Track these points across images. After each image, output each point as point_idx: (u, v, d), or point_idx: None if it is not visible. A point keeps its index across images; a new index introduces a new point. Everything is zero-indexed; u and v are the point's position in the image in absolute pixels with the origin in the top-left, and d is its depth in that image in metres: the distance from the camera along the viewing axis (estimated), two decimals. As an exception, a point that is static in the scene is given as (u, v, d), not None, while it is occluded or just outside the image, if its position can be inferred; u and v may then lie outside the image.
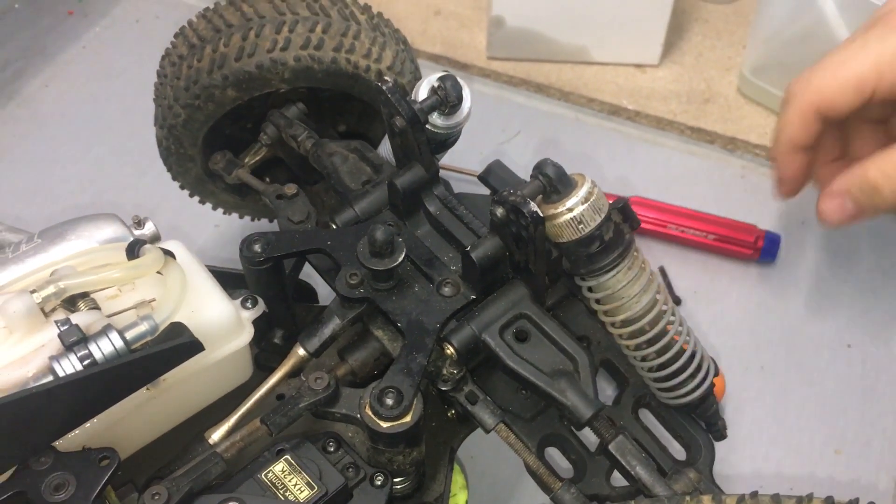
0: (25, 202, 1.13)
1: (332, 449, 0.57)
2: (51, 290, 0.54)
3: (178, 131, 0.76)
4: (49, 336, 0.53)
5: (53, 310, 0.55)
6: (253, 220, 0.98)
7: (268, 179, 0.80)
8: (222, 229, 1.08)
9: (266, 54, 0.70)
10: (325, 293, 0.79)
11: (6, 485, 0.51)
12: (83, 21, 1.37)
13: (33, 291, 0.53)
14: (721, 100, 1.42)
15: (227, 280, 0.64)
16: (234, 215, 0.95)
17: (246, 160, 0.79)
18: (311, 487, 0.54)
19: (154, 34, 1.27)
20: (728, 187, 1.22)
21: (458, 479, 0.71)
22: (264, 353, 0.67)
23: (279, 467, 0.55)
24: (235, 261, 0.65)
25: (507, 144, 1.29)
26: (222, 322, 0.60)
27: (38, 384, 0.50)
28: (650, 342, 0.59)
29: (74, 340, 0.51)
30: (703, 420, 0.65)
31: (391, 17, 0.85)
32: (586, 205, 0.53)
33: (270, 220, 0.99)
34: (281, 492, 0.53)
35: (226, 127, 0.78)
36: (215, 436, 0.59)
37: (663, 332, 0.59)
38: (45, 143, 1.22)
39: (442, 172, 0.67)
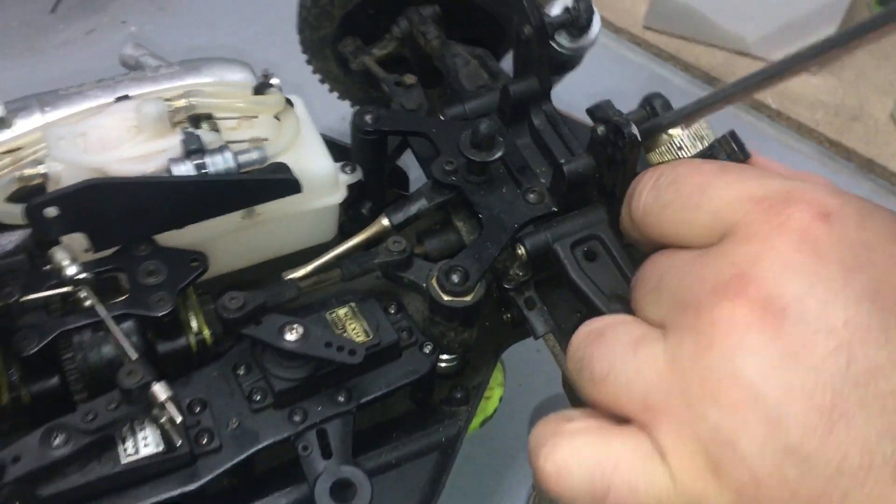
0: (177, 56, 1.21)
1: (392, 311, 0.61)
2: (182, 103, 0.59)
3: (322, 5, 0.80)
4: (172, 143, 0.58)
5: (180, 122, 0.61)
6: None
7: (388, 74, 0.84)
8: (347, 123, 1.13)
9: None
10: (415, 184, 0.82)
11: (107, 259, 0.57)
12: None
13: (167, 100, 0.59)
14: (870, 121, 1.36)
15: (334, 150, 0.69)
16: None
17: (374, 50, 0.83)
18: (368, 335, 0.57)
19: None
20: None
21: (497, 375, 0.73)
22: (350, 221, 0.71)
23: (343, 311, 0.59)
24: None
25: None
26: (321, 176, 0.64)
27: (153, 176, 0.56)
28: None
29: (194, 149, 0.57)
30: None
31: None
32: (686, 131, 0.54)
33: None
34: (340, 331, 0.57)
35: (364, 17, 0.82)
36: (292, 276, 0.64)
37: None
38: (209, 8, 1.30)
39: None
